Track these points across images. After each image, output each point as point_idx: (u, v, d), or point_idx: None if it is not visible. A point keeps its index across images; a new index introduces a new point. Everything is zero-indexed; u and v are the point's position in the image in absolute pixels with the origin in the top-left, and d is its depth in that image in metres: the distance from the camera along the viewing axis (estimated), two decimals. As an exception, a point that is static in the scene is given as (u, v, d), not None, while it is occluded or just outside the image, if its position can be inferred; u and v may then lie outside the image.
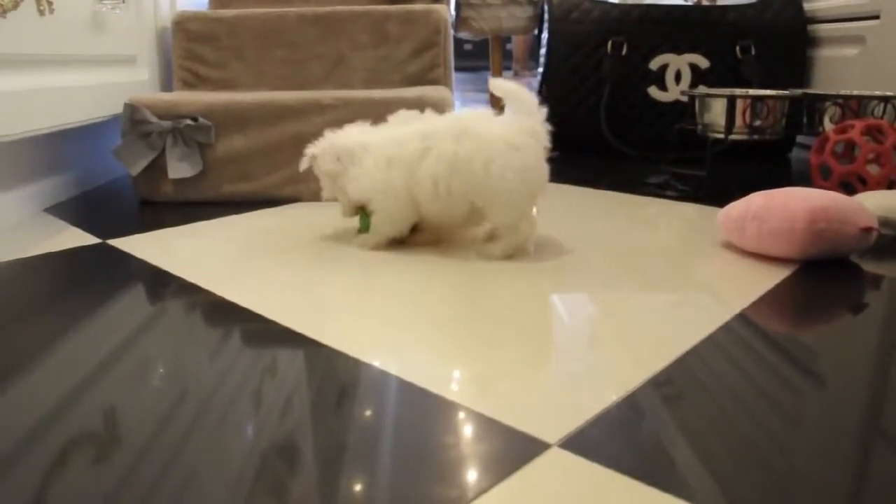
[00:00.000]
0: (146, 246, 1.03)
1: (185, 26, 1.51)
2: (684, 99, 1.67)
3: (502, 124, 0.94)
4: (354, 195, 0.99)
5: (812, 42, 1.78)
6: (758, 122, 1.35)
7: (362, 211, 1.02)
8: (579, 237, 1.05)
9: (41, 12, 1.09)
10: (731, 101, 1.34)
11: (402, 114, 1.03)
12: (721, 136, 1.36)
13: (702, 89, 1.56)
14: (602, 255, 0.96)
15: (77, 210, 1.27)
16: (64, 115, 1.19)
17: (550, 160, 0.95)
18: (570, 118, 1.79)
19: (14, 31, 1.03)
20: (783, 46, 1.76)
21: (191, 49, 1.51)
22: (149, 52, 1.50)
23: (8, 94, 1.03)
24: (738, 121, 1.34)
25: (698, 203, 1.25)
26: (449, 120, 0.98)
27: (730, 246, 0.98)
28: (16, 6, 1.02)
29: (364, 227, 1.04)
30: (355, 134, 1.02)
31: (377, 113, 1.25)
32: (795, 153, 1.81)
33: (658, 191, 1.35)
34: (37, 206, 1.25)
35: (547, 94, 1.83)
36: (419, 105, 1.22)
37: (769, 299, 0.79)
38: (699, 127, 1.43)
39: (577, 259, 0.95)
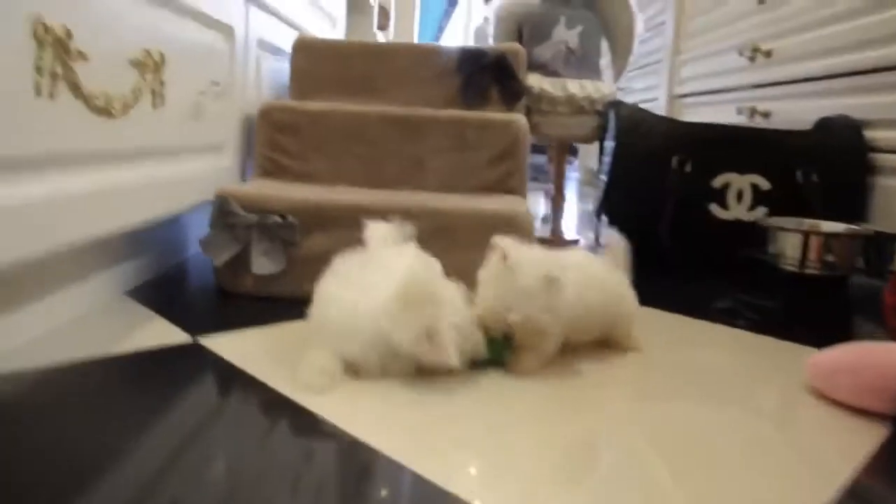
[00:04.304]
0: (239, 348, 1.03)
1: (271, 116, 1.55)
2: (745, 219, 1.69)
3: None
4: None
5: (873, 170, 1.80)
6: (830, 258, 1.36)
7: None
8: (651, 367, 1.06)
9: (154, 106, 1.13)
10: (806, 236, 1.35)
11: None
12: (793, 269, 1.37)
13: (775, 220, 1.56)
14: (676, 389, 0.96)
15: (159, 295, 1.29)
16: (163, 205, 1.22)
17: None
18: (632, 231, 1.81)
19: (134, 127, 1.06)
20: (844, 173, 1.78)
21: (274, 139, 1.56)
22: (234, 140, 1.54)
23: (122, 189, 1.06)
24: (812, 255, 1.36)
25: (773, 336, 1.24)
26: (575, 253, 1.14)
27: (818, 393, 0.98)
28: (136, 102, 1.06)
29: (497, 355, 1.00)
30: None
31: (461, 225, 1.28)
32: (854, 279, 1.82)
33: (727, 318, 1.36)
34: (119, 289, 1.27)
35: (612, 205, 1.85)
36: (502, 220, 1.25)
37: (876, 469, 0.78)
38: (769, 255, 1.45)
39: (646, 393, 0.95)
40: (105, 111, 0.96)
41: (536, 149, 2.08)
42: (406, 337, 0.89)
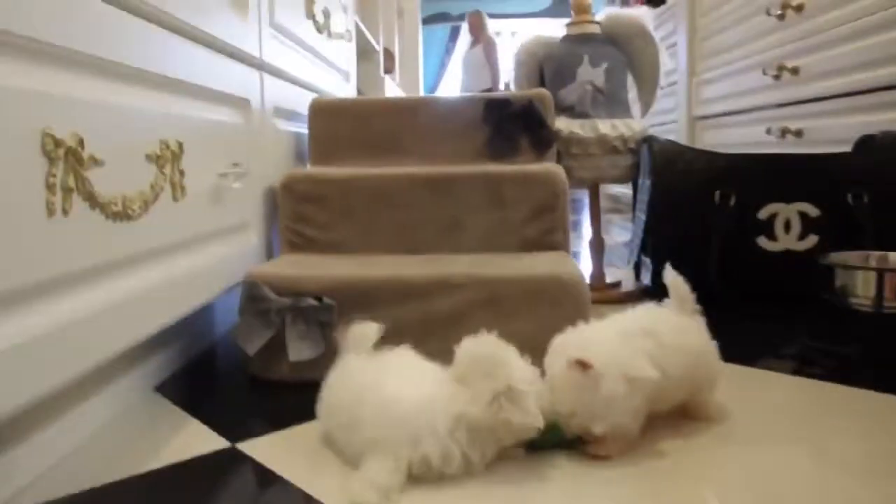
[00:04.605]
0: (281, 451, 0.95)
1: (294, 188, 1.47)
2: (796, 249, 1.60)
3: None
4: None
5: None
6: (908, 295, 1.26)
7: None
8: (731, 438, 0.96)
9: (175, 199, 1.05)
10: (881, 273, 1.26)
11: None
12: (869, 309, 1.27)
13: (839, 257, 1.45)
14: (766, 464, 0.86)
15: (190, 390, 1.21)
16: (192, 298, 1.14)
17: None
18: (676, 270, 1.72)
19: (155, 225, 0.99)
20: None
21: (299, 210, 1.48)
22: (258, 216, 1.46)
23: (147, 292, 0.98)
24: (888, 293, 1.26)
25: (860, 387, 1.13)
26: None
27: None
28: (156, 198, 0.98)
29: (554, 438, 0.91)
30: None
31: (510, 293, 1.19)
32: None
33: (800, 367, 1.25)
34: (148, 385, 1.19)
35: (652, 245, 1.76)
36: (555, 285, 1.16)
37: None
38: (834, 294, 1.34)
39: (730, 473, 0.85)
40: (123, 215, 0.88)
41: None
42: (484, 402, 0.81)
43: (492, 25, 6.94)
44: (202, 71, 1.18)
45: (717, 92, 2.88)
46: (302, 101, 1.77)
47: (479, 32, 6.71)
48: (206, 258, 1.20)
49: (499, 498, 0.82)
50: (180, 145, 1.05)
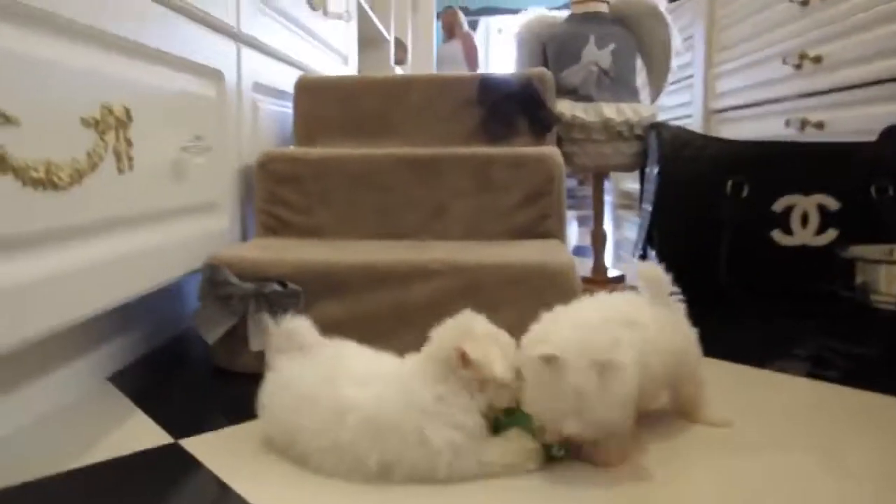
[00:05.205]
0: (228, 450, 0.86)
1: (269, 167, 1.38)
2: (813, 244, 1.49)
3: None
4: None
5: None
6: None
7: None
8: (732, 446, 0.85)
9: (120, 170, 0.95)
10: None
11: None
12: (891, 306, 1.15)
13: (861, 250, 1.32)
14: (774, 479, 0.75)
15: (144, 382, 1.11)
16: (142, 280, 1.05)
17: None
18: (683, 265, 1.60)
19: (91, 197, 0.89)
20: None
21: (275, 192, 1.38)
22: (230, 197, 1.37)
23: (81, 270, 0.88)
24: (913, 290, 1.14)
25: (879, 392, 1.02)
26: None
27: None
28: (93, 168, 0.88)
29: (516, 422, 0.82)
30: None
31: (491, 281, 1.09)
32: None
33: (814, 369, 1.14)
34: (100, 374, 1.10)
35: (658, 237, 1.65)
36: (540, 273, 1.06)
37: None
38: (855, 291, 1.23)
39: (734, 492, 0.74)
40: (47, 183, 0.79)
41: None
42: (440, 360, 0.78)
43: (494, 23, 6.83)
44: (161, 34, 1.08)
45: (734, 84, 2.76)
46: (289, 81, 1.67)
47: (453, 29, 6.53)
48: (163, 237, 1.11)
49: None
50: (127, 112, 0.95)
